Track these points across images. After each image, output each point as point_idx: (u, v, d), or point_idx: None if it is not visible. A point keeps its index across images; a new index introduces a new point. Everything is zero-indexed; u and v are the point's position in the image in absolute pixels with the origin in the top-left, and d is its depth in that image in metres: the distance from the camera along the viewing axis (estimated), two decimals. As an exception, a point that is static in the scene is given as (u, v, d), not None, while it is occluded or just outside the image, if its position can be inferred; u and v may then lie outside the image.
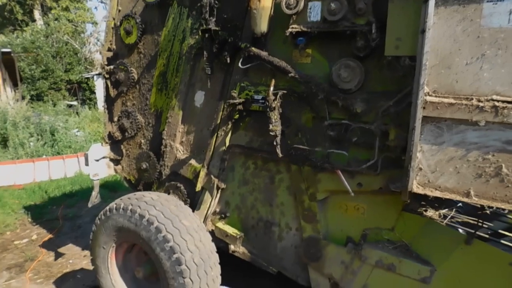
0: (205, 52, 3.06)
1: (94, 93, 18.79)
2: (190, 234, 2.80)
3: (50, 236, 5.60)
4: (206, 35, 2.99)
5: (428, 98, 2.11)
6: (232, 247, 3.30)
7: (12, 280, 4.38)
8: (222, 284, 3.05)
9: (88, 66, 20.15)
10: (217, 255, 2.98)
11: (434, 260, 2.53)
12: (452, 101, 2.05)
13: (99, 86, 18.16)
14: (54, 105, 14.45)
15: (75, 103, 17.80)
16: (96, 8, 38.70)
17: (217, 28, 2.96)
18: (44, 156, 9.54)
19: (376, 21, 2.35)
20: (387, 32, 2.29)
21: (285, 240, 3.11)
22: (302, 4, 2.58)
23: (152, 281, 3.15)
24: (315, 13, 2.57)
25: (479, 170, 2.07)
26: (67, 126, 11.06)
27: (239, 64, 2.95)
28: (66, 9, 24.90)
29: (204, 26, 2.97)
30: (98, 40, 20.71)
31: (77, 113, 14.16)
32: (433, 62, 2.07)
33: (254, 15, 2.70)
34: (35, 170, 8.74)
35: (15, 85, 15.73)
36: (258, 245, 3.24)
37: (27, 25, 23.52)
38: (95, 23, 27.24)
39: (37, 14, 24.90)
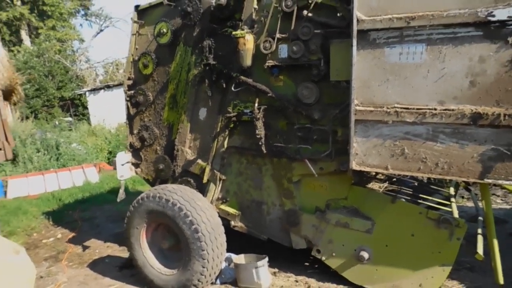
0: (206, 80, 4.25)
1: (87, 108, 19.65)
2: (203, 211, 3.89)
3: (73, 234, 6.46)
4: (207, 67, 4.17)
5: (358, 108, 3.27)
6: (232, 223, 4.41)
7: (51, 267, 5.28)
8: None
9: (79, 83, 21.01)
10: (222, 227, 4.07)
11: (373, 216, 3.69)
12: (372, 109, 3.22)
13: (91, 101, 19.05)
14: (59, 123, 15.34)
15: (70, 119, 18.65)
16: (81, 25, 39.36)
17: (215, 62, 4.12)
18: (51, 169, 10.46)
19: (323, 57, 3.54)
20: (330, 65, 3.48)
21: (272, 214, 4.23)
22: (274, 46, 3.76)
23: (174, 251, 4.21)
24: (283, 52, 3.76)
25: (392, 152, 3.23)
26: (70, 141, 11.99)
27: (232, 88, 4.11)
28: (53, 28, 25.72)
29: (205, 61, 4.15)
30: (87, 59, 21.63)
31: (73, 129, 15.07)
32: (359, 85, 3.23)
33: (241, 54, 3.85)
34: (45, 181, 9.60)
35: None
36: (252, 220, 4.35)
37: (14, 45, 24.21)
38: (81, 40, 28.16)
39: (23, 34, 25.59)
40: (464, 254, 3.99)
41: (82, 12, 29.55)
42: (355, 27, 3.10)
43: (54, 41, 22.32)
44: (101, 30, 26.75)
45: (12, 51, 22.00)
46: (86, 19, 29.92)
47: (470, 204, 6.21)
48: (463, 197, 6.59)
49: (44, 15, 25.63)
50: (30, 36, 25.68)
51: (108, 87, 18.73)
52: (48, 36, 23.10)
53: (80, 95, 20.17)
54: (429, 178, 4.72)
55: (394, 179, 4.78)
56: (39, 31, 24.85)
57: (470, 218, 4.49)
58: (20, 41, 25.05)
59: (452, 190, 4.44)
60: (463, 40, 2.76)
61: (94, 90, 19.15)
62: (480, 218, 4.02)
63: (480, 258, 3.31)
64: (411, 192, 4.44)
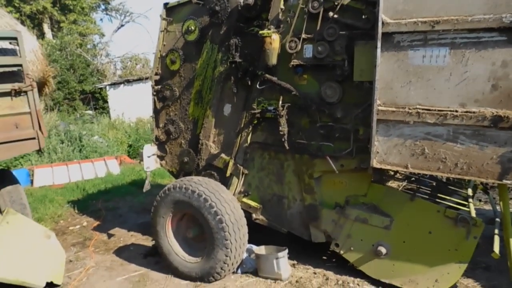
0: (232, 77, 4.42)
1: (107, 102, 20.06)
2: (227, 202, 4.07)
3: (98, 223, 6.68)
4: (233, 65, 4.33)
5: (380, 108, 3.38)
6: (254, 216, 4.58)
7: (79, 252, 5.49)
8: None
9: (100, 77, 21.44)
10: (245, 219, 4.24)
11: (392, 213, 3.80)
12: (394, 109, 3.33)
13: (111, 95, 19.44)
14: (81, 115, 15.76)
15: (90, 112, 19.08)
16: (101, 20, 39.94)
17: (240, 60, 4.27)
18: (75, 160, 10.79)
19: (347, 58, 3.66)
20: (354, 65, 3.60)
21: (293, 208, 4.38)
22: (299, 46, 3.90)
23: (198, 240, 4.39)
24: (308, 52, 3.89)
25: (412, 151, 3.34)
26: (92, 133, 12.33)
27: (257, 86, 4.26)
28: (74, 22, 26.22)
29: (231, 58, 4.31)
30: (107, 53, 22.01)
31: (95, 122, 15.46)
32: (382, 85, 3.34)
33: (267, 52, 4.00)
34: (69, 172, 9.93)
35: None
36: (273, 213, 4.51)
37: (37, 38, 24.72)
38: (102, 35, 28.63)
39: (46, 27, 26.14)
40: (480, 254, 4.08)
41: (103, 7, 30.04)
42: (380, 30, 3.21)
43: (75, 35, 22.77)
44: (122, 25, 27.12)
45: (36, 44, 22.44)
46: (107, 14, 30.39)
47: (487, 207, 6.25)
48: (480, 200, 6.62)
49: (66, 9, 26.13)
50: (52, 30, 26.24)
51: (128, 81, 19.08)
52: (70, 30, 23.57)
53: (101, 89, 20.59)
54: (447, 179, 4.81)
55: (413, 179, 4.88)
56: (61, 25, 25.33)
57: (487, 220, 4.55)
58: (42, 34, 25.58)
59: (470, 191, 4.52)
60: (486, 45, 2.86)
61: (114, 85, 19.54)
62: (498, 219, 4.10)
63: (496, 257, 3.40)
64: (429, 192, 4.54)
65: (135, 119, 16.35)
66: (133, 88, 18.70)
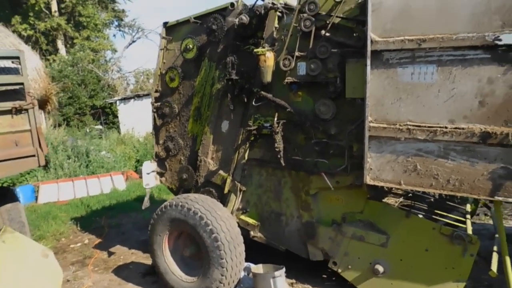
0: (229, 94, 4.46)
1: (117, 117, 20.34)
2: (223, 220, 4.06)
3: (99, 240, 6.65)
4: (230, 82, 4.38)
5: (372, 124, 3.38)
6: (252, 233, 4.56)
7: (78, 271, 5.46)
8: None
9: (110, 92, 21.81)
10: (241, 237, 4.22)
11: (388, 231, 3.75)
12: (385, 126, 3.32)
13: (122, 110, 19.72)
14: (89, 130, 16.02)
15: (100, 127, 19.36)
16: (114, 35, 40.69)
17: (237, 78, 4.32)
18: (81, 176, 10.87)
19: (340, 75, 3.68)
20: (346, 82, 3.62)
21: (290, 225, 4.36)
22: (293, 64, 3.94)
23: (195, 259, 4.38)
24: (302, 70, 3.92)
25: (405, 168, 3.32)
26: (99, 149, 12.46)
27: (253, 103, 4.30)
28: (88, 38, 26.81)
29: (228, 76, 4.36)
30: (119, 68, 22.40)
31: (103, 137, 15.64)
32: (373, 102, 3.35)
33: (262, 70, 4.04)
34: (74, 188, 9.97)
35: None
36: (270, 230, 4.49)
37: (50, 54, 25.30)
38: (114, 50, 29.19)
39: (59, 43, 26.70)
40: (482, 271, 3.99)
41: (116, 23, 30.65)
42: (369, 48, 3.23)
43: (88, 51, 23.27)
44: (133, 41, 27.62)
45: (48, 60, 22.95)
46: (119, 30, 30.97)
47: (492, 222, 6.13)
48: (486, 215, 6.49)
49: (79, 26, 26.72)
50: (65, 46, 26.77)
51: (138, 96, 19.36)
52: (83, 46, 24.07)
53: (111, 103, 20.91)
54: (445, 195, 4.74)
55: (410, 194, 4.82)
56: (74, 41, 25.85)
57: (491, 235, 4.47)
58: (56, 50, 26.11)
59: (469, 207, 4.45)
60: (472, 62, 2.86)
61: (125, 99, 19.83)
62: (497, 235, 4.02)
63: (493, 275, 3.33)
64: (426, 208, 4.48)
65: (145, 133, 16.50)
66: (143, 103, 18.93)
